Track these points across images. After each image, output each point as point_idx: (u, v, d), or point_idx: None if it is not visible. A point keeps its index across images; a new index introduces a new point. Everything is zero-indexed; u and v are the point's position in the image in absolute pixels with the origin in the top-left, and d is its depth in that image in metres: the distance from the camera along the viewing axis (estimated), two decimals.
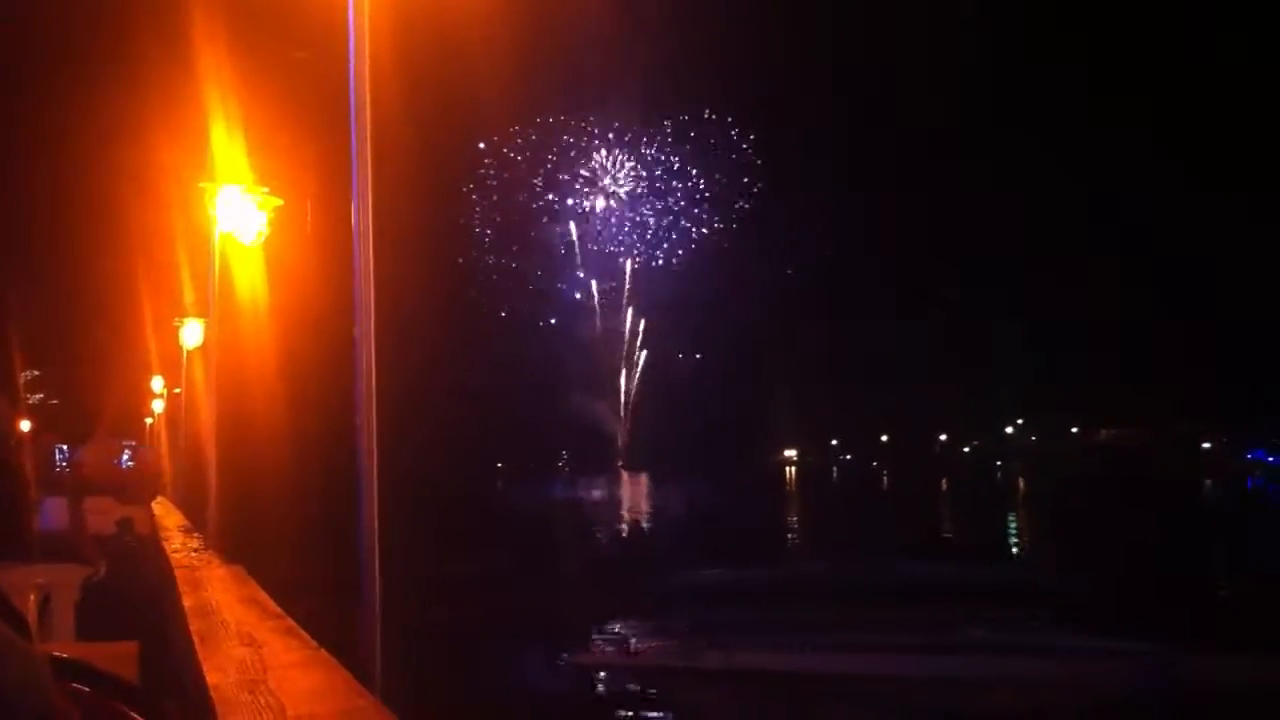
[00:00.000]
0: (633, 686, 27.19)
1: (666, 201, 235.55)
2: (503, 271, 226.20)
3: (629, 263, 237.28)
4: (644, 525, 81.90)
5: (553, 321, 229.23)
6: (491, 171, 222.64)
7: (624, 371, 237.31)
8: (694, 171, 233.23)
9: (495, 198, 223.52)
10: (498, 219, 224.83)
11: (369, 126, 7.44)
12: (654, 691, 26.32)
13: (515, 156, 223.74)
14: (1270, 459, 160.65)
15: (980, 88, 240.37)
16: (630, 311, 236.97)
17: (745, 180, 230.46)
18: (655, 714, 25.97)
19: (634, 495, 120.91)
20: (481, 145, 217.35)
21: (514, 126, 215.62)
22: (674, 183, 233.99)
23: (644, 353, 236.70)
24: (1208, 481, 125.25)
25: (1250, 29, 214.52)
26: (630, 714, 26.30)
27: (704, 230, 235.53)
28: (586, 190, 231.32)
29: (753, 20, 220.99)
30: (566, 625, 33.29)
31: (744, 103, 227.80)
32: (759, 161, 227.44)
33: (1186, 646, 25.21)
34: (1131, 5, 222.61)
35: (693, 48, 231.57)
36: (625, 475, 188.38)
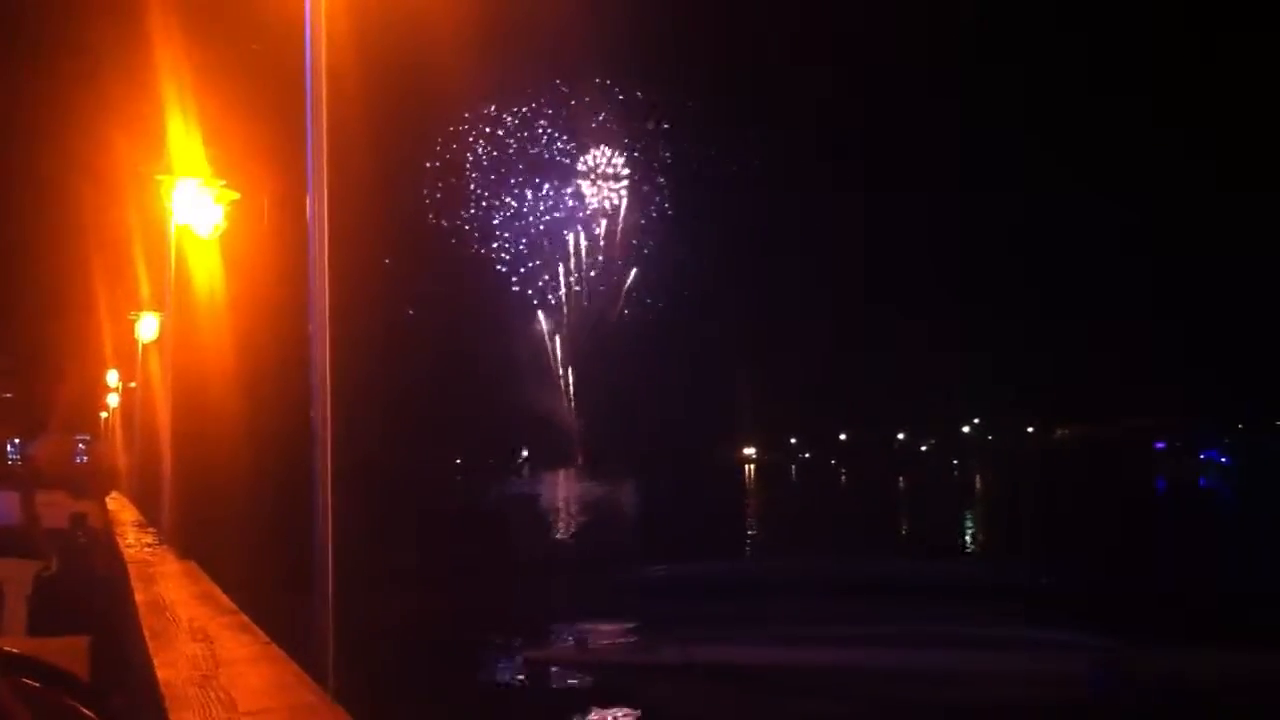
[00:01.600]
0: (587, 679, 27.18)
1: (631, 203, 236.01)
2: (464, 268, 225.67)
3: (588, 268, 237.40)
4: (601, 522, 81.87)
5: (512, 324, 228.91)
6: (449, 161, 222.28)
7: (572, 370, 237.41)
8: (646, 176, 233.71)
9: (450, 189, 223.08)
10: (459, 210, 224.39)
11: (325, 119, 7.40)
12: (613, 686, 26.31)
13: (475, 145, 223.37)
14: (1223, 460, 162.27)
15: (979, 84, 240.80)
16: (589, 314, 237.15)
17: (716, 179, 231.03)
18: (616, 709, 25.98)
19: (591, 492, 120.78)
20: (439, 141, 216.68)
21: (472, 115, 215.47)
22: (636, 180, 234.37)
23: (606, 348, 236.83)
24: (1161, 481, 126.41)
25: (1253, 29, 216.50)
26: (591, 709, 26.30)
27: (668, 230, 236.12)
28: (549, 183, 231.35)
29: (742, 14, 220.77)
30: (523, 621, 33.27)
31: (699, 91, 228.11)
32: (752, 160, 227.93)
33: (1146, 642, 25.64)
34: (1133, 5, 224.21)
35: (662, 42, 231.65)
36: (582, 473, 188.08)
